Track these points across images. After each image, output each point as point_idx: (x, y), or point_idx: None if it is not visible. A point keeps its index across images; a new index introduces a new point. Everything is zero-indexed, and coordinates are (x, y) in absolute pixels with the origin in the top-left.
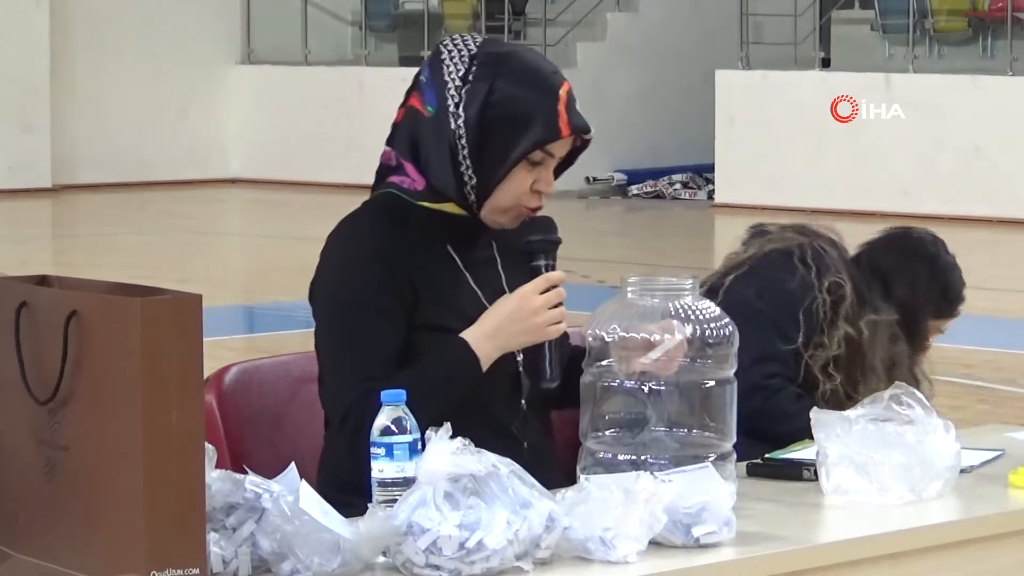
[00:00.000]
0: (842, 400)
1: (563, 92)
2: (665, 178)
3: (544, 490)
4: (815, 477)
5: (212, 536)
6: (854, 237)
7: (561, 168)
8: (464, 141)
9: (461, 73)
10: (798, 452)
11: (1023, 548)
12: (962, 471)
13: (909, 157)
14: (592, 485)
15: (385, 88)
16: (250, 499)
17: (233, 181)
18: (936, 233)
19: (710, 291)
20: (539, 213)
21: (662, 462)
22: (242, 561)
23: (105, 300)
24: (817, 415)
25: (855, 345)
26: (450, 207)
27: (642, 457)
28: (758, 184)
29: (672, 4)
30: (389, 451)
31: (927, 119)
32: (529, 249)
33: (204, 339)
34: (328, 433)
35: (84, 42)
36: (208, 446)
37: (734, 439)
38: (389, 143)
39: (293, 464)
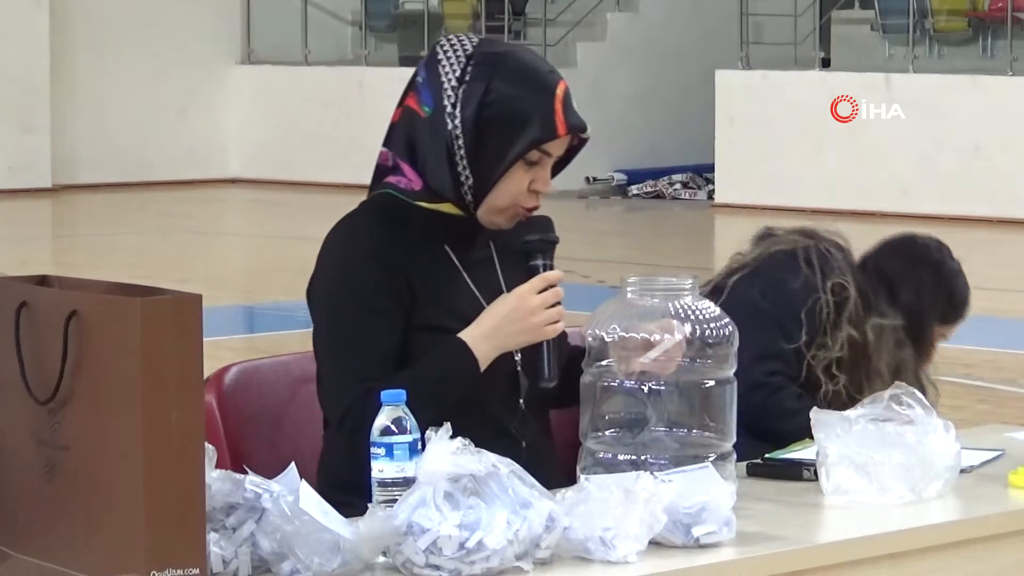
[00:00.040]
0: (844, 402)
1: (559, 91)
2: (665, 178)
3: (544, 490)
4: (815, 477)
5: (212, 536)
6: (854, 237)
7: (558, 168)
8: (461, 141)
9: (457, 73)
10: (798, 452)
11: (1023, 548)
12: (962, 471)
13: (909, 157)
14: (592, 485)
15: (385, 88)
16: (250, 499)
17: (233, 181)
18: (940, 239)
19: (714, 291)
20: (536, 213)
21: (662, 462)
22: (242, 561)
23: (105, 300)
24: (817, 415)
25: (859, 348)
26: (447, 207)
27: (642, 457)
28: (758, 184)
29: (672, 4)
30: (389, 451)
31: (927, 119)
32: (526, 249)
33: (204, 339)
34: (327, 433)
35: (84, 42)
36: (208, 446)
37: (734, 439)
38: (386, 144)
39: (293, 464)
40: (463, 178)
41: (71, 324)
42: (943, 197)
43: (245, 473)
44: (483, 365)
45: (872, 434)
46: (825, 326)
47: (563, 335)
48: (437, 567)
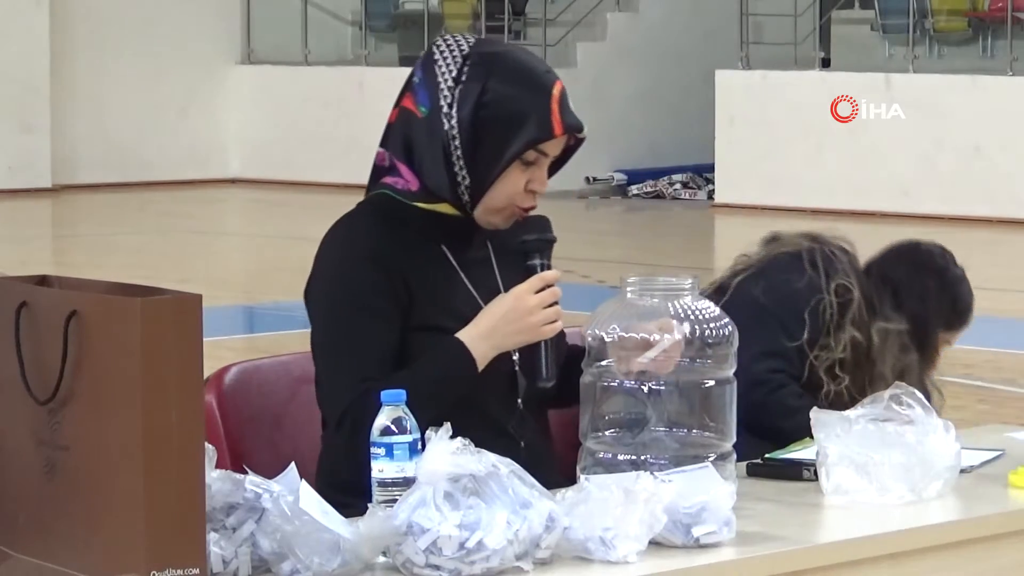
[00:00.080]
0: (846, 403)
1: (556, 91)
2: (665, 178)
3: (544, 490)
4: (815, 477)
5: (212, 536)
6: (855, 237)
7: (555, 168)
8: (457, 141)
9: (454, 73)
10: (798, 452)
11: (1023, 548)
12: (962, 471)
13: (909, 157)
14: (592, 485)
15: (385, 88)
16: (250, 499)
17: (233, 181)
18: (944, 245)
19: (719, 290)
20: (534, 212)
21: (662, 462)
22: (242, 561)
23: (105, 300)
24: (817, 415)
25: (862, 350)
26: (444, 207)
27: (642, 457)
28: (758, 184)
29: (672, 4)
30: (389, 451)
31: (927, 119)
32: (524, 248)
33: (204, 339)
34: (325, 434)
35: (84, 42)
36: (208, 446)
37: (734, 439)
38: (383, 144)
39: (293, 464)
40: (460, 178)
41: (71, 324)
42: (943, 197)
43: (245, 473)
44: (481, 365)
45: (872, 434)
46: (828, 327)
47: (561, 335)
48: (437, 567)
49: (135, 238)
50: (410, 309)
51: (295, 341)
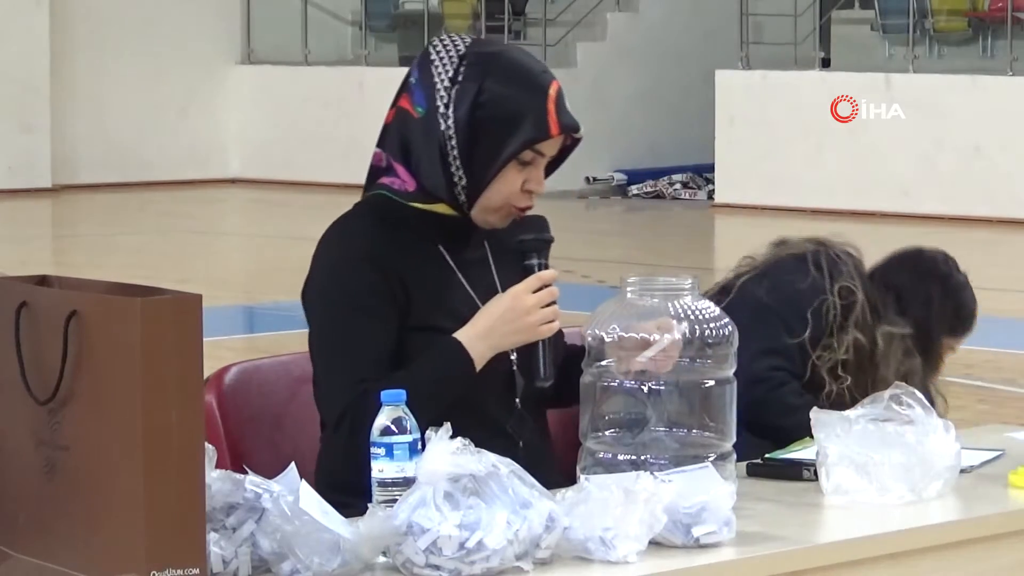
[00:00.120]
0: (847, 405)
1: (552, 91)
2: (665, 178)
3: (544, 490)
4: (815, 477)
5: (212, 536)
6: (855, 237)
7: (552, 167)
8: (454, 142)
9: (450, 74)
10: (798, 452)
11: (1023, 548)
12: (962, 471)
13: (909, 157)
14: (592, 485)
15: (385, 88)
16: (250, 499)
17: (233, 181)
18: (947, 252)
19: (723, 291)
20: (532, 212)
21: (662, 462)
22: (242, 561)
23: (105, 300)
24: (817, 415)
25: (865, 353)
26: (441, 208)
27: (642, 457)
28: (758, 184)
29: (672, 4)
30: (389, 451)
31: (927, 119)
32: (521, 248)
33: (204, 339)
34: (324, 435)
35: (84, 42)
36: (208, 446)
37: (734, 439)
38: (380, 144)
39: (293, 464)
40: (456, 178)
41: (71, 324)
42: (943, 197)
43: (245, 473)
44: (479, 365)
45: (872, 434)
46: (831, 327)
47: (559, 334)
48: (437, 567)
49: (135, 238)
50: (407, 309)
51: (295, 341)
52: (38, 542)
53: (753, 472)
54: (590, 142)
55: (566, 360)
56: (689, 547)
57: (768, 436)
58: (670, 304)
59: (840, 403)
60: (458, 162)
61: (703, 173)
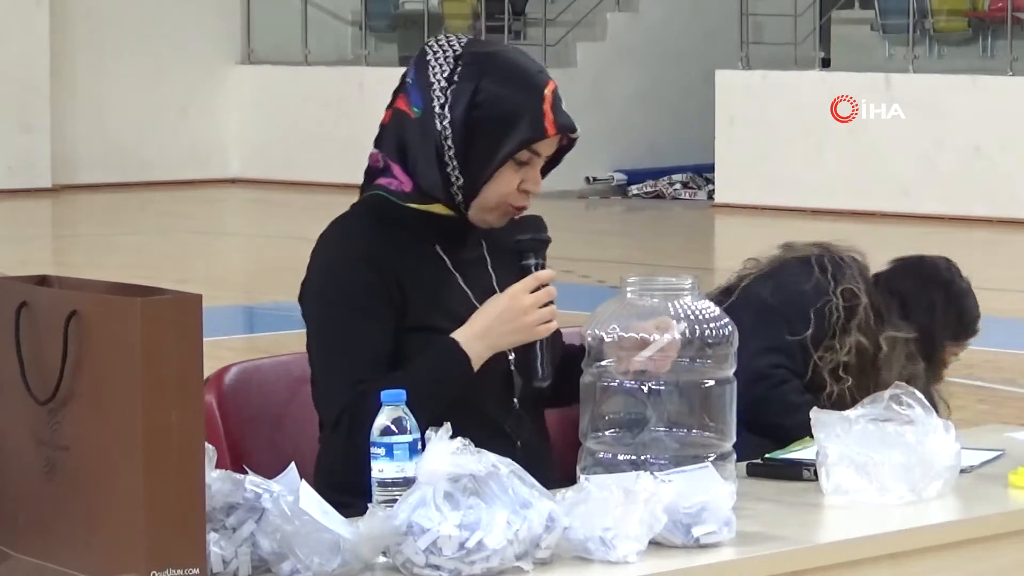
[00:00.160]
0: (848, 406)
1: (548, 91)
2: (665, 178)
3: (544, 490)
4: (815, 477)
5: (212, 536)
6: (855, 237)
7: (548, 167)
8: (450, 142)
9: (446, 74)
10: (798, 452)
11: (1023, 548)
12: (962, 471)
13: (909, 157)
14: (592, 485)
15: (385, 88)
16: (250, 499)
17: (233, 181)
18: (949, 258)
19: (726, 292)
20: (529, 212)
21: (662, 462)
22: (242, 561)
23: (105, 300)
24: (817, 415)
25: (868, 356)
26: (438, 208)
27: (642, 457)
28: (758, 184)
29: (672, 4)
30: (389, 451)
31: (927, 119)
32: (519, 248)
33: (204, 339)
34: (322, 435)
35: (84, 42)
36: (208, 446)
37: (734, 439)
38: (376, 145)
39: (293, 464)
40: (453, 179)
41: (71, 324)
42: (943, 197)
43: (245, 473)
44: (476, 365)
45: (872, 434)
46: (834, 329)
47: (557, 334)
48: (437, 567)
49: (135, 238)
50: (404, 310)
51: (295, 341)
52: (38, 542)
53: (753, 472)
54: (590, 142)
55: (564, 360)
56: (689, 547)
57: (768, 434)
58: (670, 304)
59: (841, 404)
60: (454, 162)
61: (703, 173)
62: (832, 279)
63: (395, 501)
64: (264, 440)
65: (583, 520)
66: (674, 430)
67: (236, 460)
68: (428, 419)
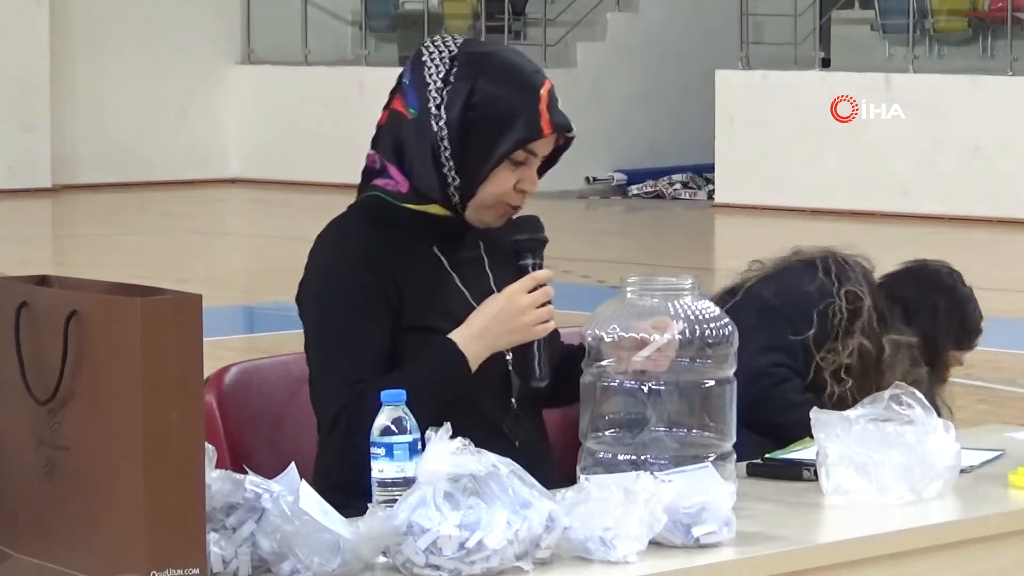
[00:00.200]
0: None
1: (544, 91)
2: (665, 178)
3: (544, 490)
4: (815, 477)
5: (212, 536)
6: (855, 237)
7: (545, 167)
8: (446, 142)
9: (442, 75)
10: (798, 452)
11: (1023, 548)
12: (962, 471)
13: (909, 157)
14: (592, 485)
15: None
16: (250, 499)
17: (233, 181)
18: (951, 264)
19: (730, 293)
20: (527, 212)
21: (662, 462)
22: (242, 561)
23: (105, 300)
24: (817, 415)
25: (870, 360)
26: (435, 208)
27: (642, 457)
28: (758, 184)
29: (672, 4)
30: (389, 451)
31: (927, 119)
32: (516, 248)
33: (204, 339)
34: (321, 436)
35: (84, 42)
36: (208, 446)
37: (734, 439)
38: (373, 146)
39: (293, 464)
40: (449, 179)
41: (71, 324)
42: (943, 197)
43: (245, 473)
44: (474, 365)
45: (872, 434)
46: (837, 331)
47: (555, 334)
48: (437, 567)
49: (135, 238)
50: (402, 310)
51: (295, 341)
52: (38, 542)
53: (753, 472)
54: (590, 142)
55: (563, 360)
56: (689, 547)
57: (768, 433)
58: (670, 304)
59: (842, 406)
60: (451, 163)
61: (703, 173)
62: (836, 281)
63: (395, 501)
64: (264, 440)
65: (583, 520)
66: (674, 430)
67: (236, 460)
68: (426, 420)
